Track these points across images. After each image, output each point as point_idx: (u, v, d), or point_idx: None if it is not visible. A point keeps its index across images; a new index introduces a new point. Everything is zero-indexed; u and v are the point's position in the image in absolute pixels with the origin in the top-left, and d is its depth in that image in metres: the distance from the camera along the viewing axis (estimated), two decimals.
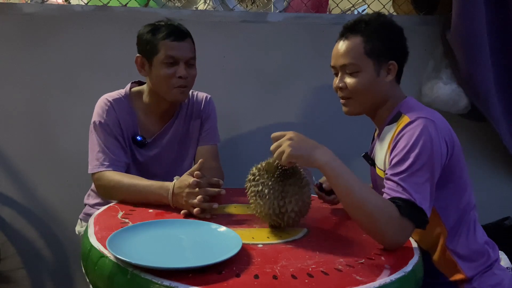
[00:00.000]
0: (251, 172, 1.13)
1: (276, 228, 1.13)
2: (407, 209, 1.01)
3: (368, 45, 1.16)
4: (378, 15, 1.22)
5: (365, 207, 0.99)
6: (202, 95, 1.60)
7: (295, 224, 1.13)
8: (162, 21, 1.42)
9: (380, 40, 1.16)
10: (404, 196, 1.02)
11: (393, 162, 1.08)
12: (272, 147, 1.04)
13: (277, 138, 1.04)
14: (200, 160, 1.24)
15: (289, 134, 1.03)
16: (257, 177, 1.10)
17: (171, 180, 1.26)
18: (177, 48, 1.38)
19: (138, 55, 1.43)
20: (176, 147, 1.54)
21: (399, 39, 1.21)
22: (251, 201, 1.12)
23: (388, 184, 1.07)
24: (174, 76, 1.38)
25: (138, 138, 1.46)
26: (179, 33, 1.39)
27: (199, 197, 1.17)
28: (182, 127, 1.55)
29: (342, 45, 1.19)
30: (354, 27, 1.18)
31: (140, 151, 1.48)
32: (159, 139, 1.51)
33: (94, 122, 1.41)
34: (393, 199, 1.03)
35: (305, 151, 1.01)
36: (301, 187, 1.09)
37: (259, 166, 1.13)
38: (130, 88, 1.50)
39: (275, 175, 1.08)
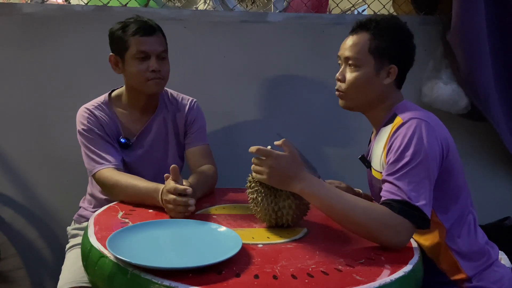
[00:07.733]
0: (248, 179, 1.15)
1: (277, 228, 1.14)
2: (402, 209, 1.01)
3: (373, 43, 1.17)
4: (391, 17, 1.24)
5: (351, 220, 1.02)
6: (187, 98, 1.60)
7: (295, 224, 1.14)
8: (132, 18, 1.44)
9: (386, 41, 1.17)
10: (397, 197, 1.03)
11: (388, 163, 1.09)
12: (253, 167, 1.08)
13: (261, 154, 1.06)
14: (172, 166, 1.19)
15: (270, 160, 1.04)
16: (252, 184, 1.13)
17: (162, 182, 1.24)
18: (147, 42, 1.40)
19: (111, 54, 1.45)
20: (161, 147, 1.55)
21: (406, 44, 1.21)
22: (251, 206, 1.15)
23: (384, 186, 1.08)
24: (147, 70, 1.40)
25: (122, 140, 1.48)
26: (148, 28, 1.41)
27: (170, 206, 1.17)
28: (165, 126, 1.55)
29: (350, 39, 1.22)
30: (365, 24, 1.20)
31: (126, 152, 1.49)
32: (143, 138, 1.52)
33: (79, 131, 1.44)
34: (386, 201, 1.04)
35: (280, 184, 1.06)
36: None
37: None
38: (110, 94, 1.52)
39: None
